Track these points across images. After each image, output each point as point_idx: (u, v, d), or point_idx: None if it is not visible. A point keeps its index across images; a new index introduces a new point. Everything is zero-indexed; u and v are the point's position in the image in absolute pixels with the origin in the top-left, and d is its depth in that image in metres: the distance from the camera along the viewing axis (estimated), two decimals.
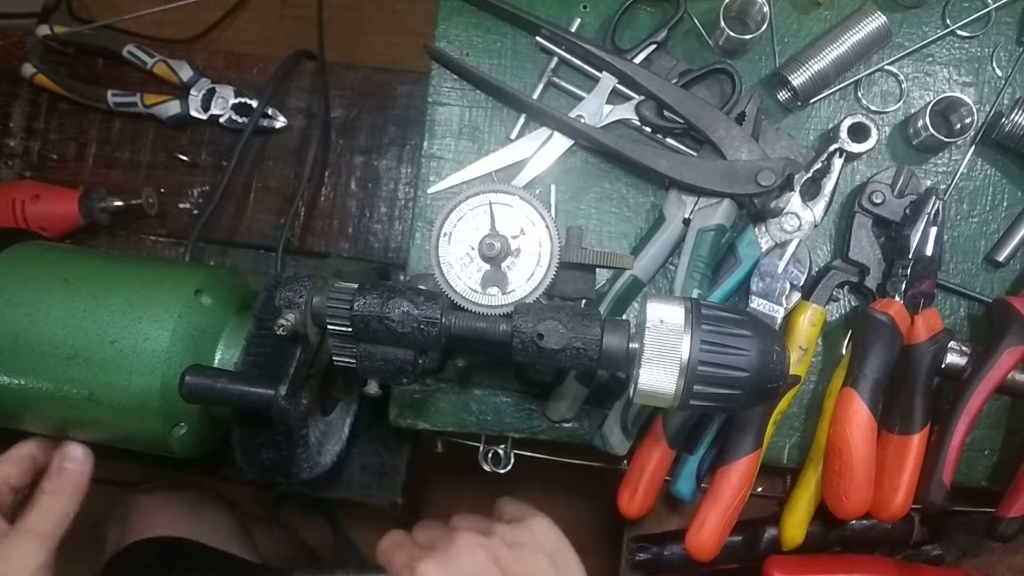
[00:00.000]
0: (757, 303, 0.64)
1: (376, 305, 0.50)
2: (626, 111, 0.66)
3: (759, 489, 0.73)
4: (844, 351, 0.66)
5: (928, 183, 0.67)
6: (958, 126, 0.66)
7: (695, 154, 0.64)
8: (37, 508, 0.59)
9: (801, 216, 0.65)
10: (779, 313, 0.64)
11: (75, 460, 0.61)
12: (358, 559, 1.31)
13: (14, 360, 0.60)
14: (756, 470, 0.64)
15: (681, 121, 0.64)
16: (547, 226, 0.50)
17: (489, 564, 0.50)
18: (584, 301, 0.54)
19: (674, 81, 0.65)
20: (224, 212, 0.88)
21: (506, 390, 0.68)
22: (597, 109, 0.66)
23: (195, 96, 0.87)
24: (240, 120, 0.87)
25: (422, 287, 0.52)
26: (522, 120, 0.68)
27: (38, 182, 0.88)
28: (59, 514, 0.59)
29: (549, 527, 0.54)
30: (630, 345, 0.48)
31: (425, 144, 0.69)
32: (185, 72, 0.87)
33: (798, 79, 0.65)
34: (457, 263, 0.50)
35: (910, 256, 0.63)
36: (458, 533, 0.52)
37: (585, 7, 0.68)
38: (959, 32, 0.68)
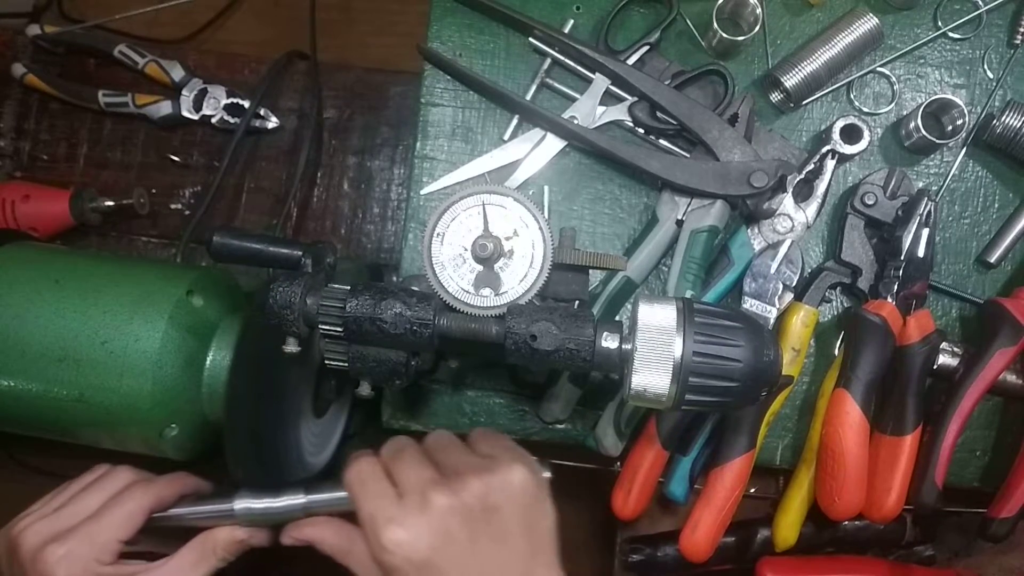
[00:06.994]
0: (750, 304, 0.64)
1: (369, 306, 0.49)
2: (619, 112, 0.66)
3: (752, 490, 0.73)
4: (837, 352, 0.66)
5: (920, 185, 0.67)
6: (950, 128, 0.66)
7: (688, 155, 0.64)
8: None
9: (794, 217, 0.65)
10: (772, 314, 0.64)
11: None
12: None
13: (3, 361, 0.59)
14: (749, 471, 0.64)
15: (674, 122, 0.64)
16: (540, 227, 0.50)
17: (462, 534, 0.47)
18: (577, 302, 0.54)
19: (667, 82, 0.65)
20: (216, 213, 0.88)
21: (499, 391, 0.68)
22: (590, 110, 0.66)
23: (187, 96, 0.87)
24: (232, 121, 0.86)
25: (415, 288, 0.51)
26: (515, 121, 0.68)
27: (28, 182, 0.88)
28: None
29: (526, 480, 0.50)
30: (623, 346, 0.48)
31: (418, 145, 0.69)
32: (177, 72, 0.86)
33: (791, 81, 0.65)
34: (450, 264, 0.50)
35: (902, 257, 0.63)
36: (433, 494, 0.48)
37: (578, 8, 0.68)
38: (951, 34, 0.68)
